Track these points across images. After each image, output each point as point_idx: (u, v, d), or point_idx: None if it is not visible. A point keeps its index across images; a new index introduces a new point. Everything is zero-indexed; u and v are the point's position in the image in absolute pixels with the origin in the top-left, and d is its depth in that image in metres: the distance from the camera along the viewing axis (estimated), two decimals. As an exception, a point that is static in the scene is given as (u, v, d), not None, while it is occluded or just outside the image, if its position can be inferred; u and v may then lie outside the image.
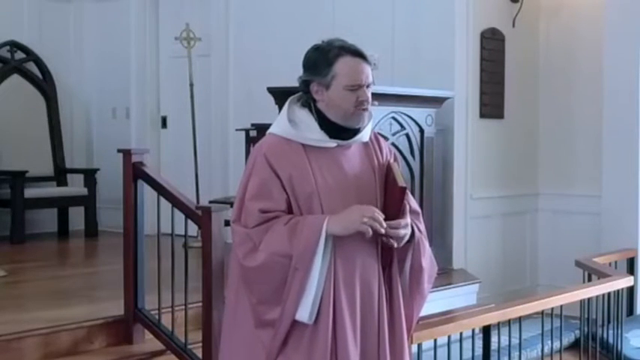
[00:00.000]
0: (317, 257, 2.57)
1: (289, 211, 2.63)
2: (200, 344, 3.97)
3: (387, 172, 2.74)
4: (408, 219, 2.67)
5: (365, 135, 2.75)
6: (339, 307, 2.61)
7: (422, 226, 2.78)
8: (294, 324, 2.60)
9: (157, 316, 4.27)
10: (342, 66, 2.64)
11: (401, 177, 2.67)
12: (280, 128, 2.70)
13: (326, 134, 2.68)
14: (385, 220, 2.60)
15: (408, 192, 2.71)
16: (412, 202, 2.79)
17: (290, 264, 2.56)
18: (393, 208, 2.64)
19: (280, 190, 2.63)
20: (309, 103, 2.71)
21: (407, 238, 2.67)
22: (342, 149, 2.70)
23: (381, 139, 2.86)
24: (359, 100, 2.65)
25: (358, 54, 2.68)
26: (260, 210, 2.61)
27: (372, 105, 2.71)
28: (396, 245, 2.65)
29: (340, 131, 2.69)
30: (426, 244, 2.78)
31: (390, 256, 2.71)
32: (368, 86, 2.68)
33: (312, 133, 2.68)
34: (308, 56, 2.72)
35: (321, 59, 2.67)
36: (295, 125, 2.69)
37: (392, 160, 2.79)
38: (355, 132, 2.71)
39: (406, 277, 2.75)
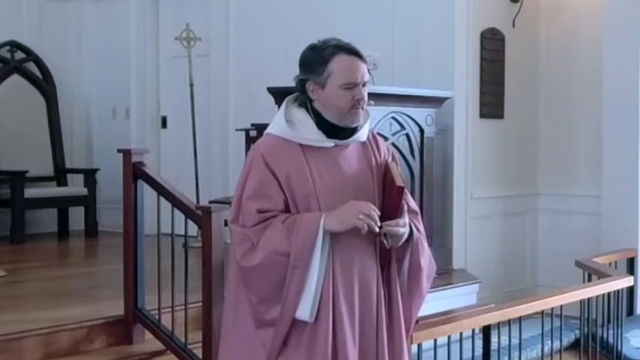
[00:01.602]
0: (315, 253, 2.56)
1: (287, 211, 2.63)
2: (200, 344, 3.97)
3: (385, 172, 2.73)
4: (406, 218, 2.66)
5: (362, 134, 2.74)
6: (338, 307, 2.60)
7: (420, 226, 2.77)
8: (294, 324, 2.60)
9: (156, 316, 4.27)
10: (338, 64, 2.64)
11: (399, 177, 2.67)
12: (278, 128, 2.70)
13: (323, 134, 2.67)
14: (383, 219, 2.60)
15: (407, 192, 2.71)
16: (411, 201, 2.78)
17: (288, 262, 2.56)
18: (391, 208, 2.64)
19: (278, 190, 2.63)
20: (306, 103, 2.71)
21: (405, 237, 2.67)
22: (339, 149, 2.70)
23: (379, 139, 2.85)
24: (354, 99, 2.65)
25: (354, 52, 2.67)
26: (258, 210, 2.60)
27: (368, 104, 2.71)
28: (389, 246, 2.64)
29: (337, 131, 2.68)
30: (425, 243, 2.77)
31: (388, 255, 2.71)
32: (364, 85, 2.67)
33: (309, 132, 2.67)
34: (304, 55, 2.72)
35: (317, 58, 2.66)
36: (293, 125, 2.68)
37: (390, 160, 2.79)
38: (352, 131, 2.71)
39: (405, 276, 2.75)
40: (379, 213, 2.60)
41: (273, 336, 2.60)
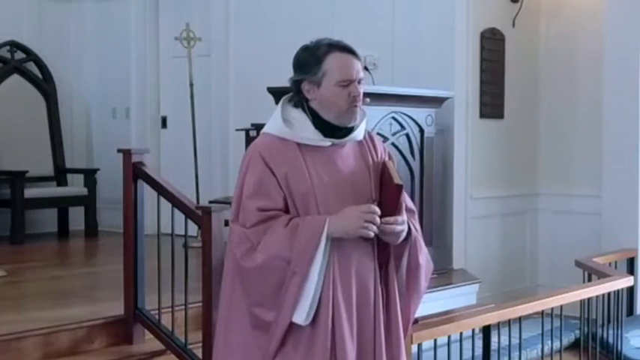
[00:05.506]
0: (316, 262, 2.56)
1: (286, 209, 2.63)
2: (200, 344, 3.97)
3: (383, 171, 2.74)
4: (404, 216, 2.67)
5: (359, 134, 2.75)
6: (337, 306, 2.60)
7: (417, 225, 2.78)
8: (292, 324, 2.59)
9: (156, 316, 4.27)
10: (332, 62, 2.65)
11: (397, 175, 2.68)
12: (275, 128, 2.70)
13: (320, 133, 2.68)
14: (381, 217, 2.60)
15: (403, 191, 2.71)
16: (407, 200, 2.79)
17: (288, 267, 2.56)
18: (389, 206, 2.65)
19: (277, 188, 2.63)
20: (301, 103, 2.71)
21: (403, 235, 2.67)
22: (336, 148, 2.71)
23: (376, 138, 2.86)
24: (351, 96, 2.65)
25: (347, 50, 2.68)
26: (258, 208, 2.60)
27: (364, 103, 2.71)
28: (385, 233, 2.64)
29: (334, 130, 2.69)
30: (422, 242, 2.77)
31: (386, 254, 2.72)
32: (359, 82, 2.68)
33: (307, 132, 2.68)
34: (297, 56, 2.72)
35: (311, 58, 2.67)
36: (290, 125, 2.69)
37: (387, 159, 2.79)
38: (349, 131, 2.71)
39: (403, 275, 2.75)
40: (379, 212, 2.59)
41: (269, 340, 2.59)
